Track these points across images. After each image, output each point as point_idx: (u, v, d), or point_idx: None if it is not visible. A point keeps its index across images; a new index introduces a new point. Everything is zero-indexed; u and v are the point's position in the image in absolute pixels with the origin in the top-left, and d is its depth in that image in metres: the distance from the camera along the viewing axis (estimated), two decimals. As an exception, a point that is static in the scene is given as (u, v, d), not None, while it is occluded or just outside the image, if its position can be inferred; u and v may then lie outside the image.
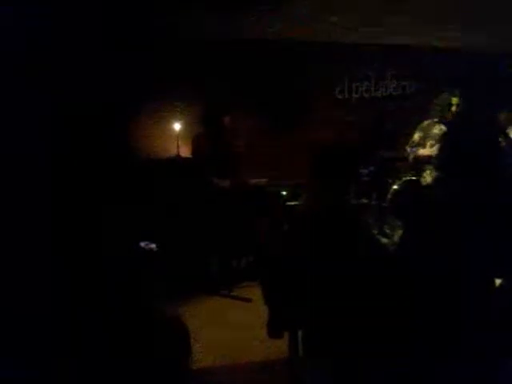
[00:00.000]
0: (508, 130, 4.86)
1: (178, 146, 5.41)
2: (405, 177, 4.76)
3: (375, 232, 4.71)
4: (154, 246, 3.99)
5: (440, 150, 2.29)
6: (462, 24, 5.24)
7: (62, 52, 2.06)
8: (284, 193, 5.25)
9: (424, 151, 4.71)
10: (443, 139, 2.38)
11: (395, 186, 4.68)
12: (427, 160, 4.58)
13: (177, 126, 5.47)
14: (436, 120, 4.73)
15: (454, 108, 4.64)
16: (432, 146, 4.61)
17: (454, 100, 4.66)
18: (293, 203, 5.02)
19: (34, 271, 1.99)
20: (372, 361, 1.98)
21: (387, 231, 4.69)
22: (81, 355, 1.83)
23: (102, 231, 2.36)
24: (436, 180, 3.72)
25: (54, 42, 2.04)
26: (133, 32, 4.82)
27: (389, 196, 4.67)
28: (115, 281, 2.18)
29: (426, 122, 4.83)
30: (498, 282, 2.15)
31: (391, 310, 2.01)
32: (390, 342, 1.98)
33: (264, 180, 5.04)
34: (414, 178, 4.70)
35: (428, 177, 4.57)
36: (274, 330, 2.39)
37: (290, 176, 5.14)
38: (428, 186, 4.31)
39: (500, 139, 4.64)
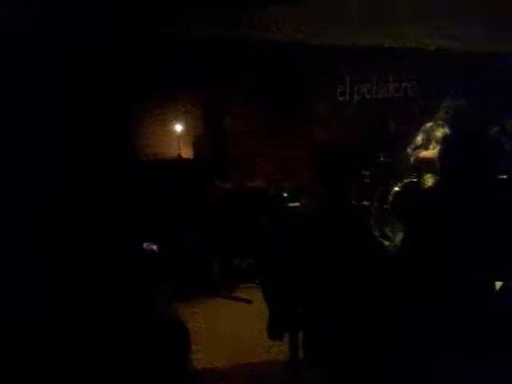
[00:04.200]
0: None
1: (179, 148, 5.41)
2: (406, 179, 4.75)
3: (376, 234, 4.70)
4: (155, 246, 3.99)
5: (441, 152, 2.29)
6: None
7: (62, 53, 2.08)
8: (285, 194, 5.25)
9: (426, 154, 4.68)
10: (444, 142, 2.38)
11: (397, 188, 4.67)
12: (429, 163, 4.56)
13: (178, 128, 5.47)
14: (440, 122, 4.71)
15: (456, 111, 4.63)
16: (435, 148, 4.58)
17: (457, 103, 4.65)
18: (294, 204, 5.03)
19: (35, 271, 2.00)
20: (372, 362, 1.98)
21: (388, 233, 4.68)
22: (79, 354, 1.83)
23: (104, 232, 2.37)
24: (437, 183, 3.72)
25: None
26: (133, 33, 4.81)
27: (390, 198, 4.66)
28: (116, 280, 2.18)
29: (428, 124, 4.79)
30: (498, 284, 2.15)
31: (391, 311, 2.01)
32: (390, 343, 1.98)
33: (265, 182, 5.04)
34: (415, 180, 4.68)
35: (429, 179, 4.55)
36: (274, 332, 2.39)
37: (291, 178, 5.14)
38: (430, 189, 4.30)
39: (503, 141, 4.64)
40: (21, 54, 1.96)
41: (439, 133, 4.63)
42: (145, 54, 5.18)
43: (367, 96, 6.46)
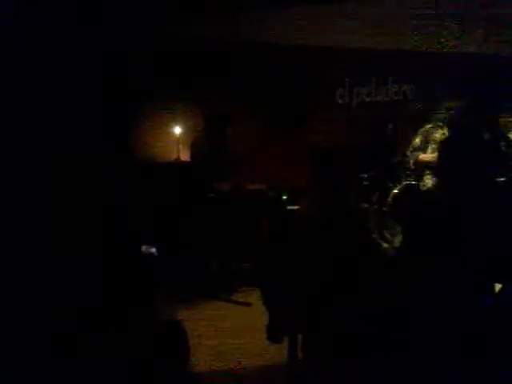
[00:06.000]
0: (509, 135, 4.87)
1: (178, 151, 5.40)
2: (405, 181, 4.76)
3: (375, 236, 4.70)
4: (154, 249, 3.98)
5: (440, 155, 2.29)
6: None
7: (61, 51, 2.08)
8: (285, 197, 5.24)
9: (425, 156, 4.68)
10: (443, 144, 2.38)
11: (396, 191, 4.68)
12: (428, 165, 4.56)
13: (177, 129, 5.46)
14: (438, 124, 4.71)
15: (455, 112, 4.63)
16: (433, 150, 4.57)
17: (456, 104, 4.66)
18: (294, 207, 5.02)
19: (37, 272, 2.00)
20: (371, 363, 1.98)
21: (387, 236, 4.68)
22: (79, 356, 1.83)
23: (102, 234, 2.37)
24: (436, 185, 3.72)
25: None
26: (134, 33, 4.80)
27: (389, 200, 4.66)
28: (116, 283, 2.18)
29: (427, 126, 4.79)
30: (498, 286, 2.15)
31: (391, 313, 2.01)
32: (389, 344, 1.98)
33: (264, 184, 5.03)
34: (414, 182, 4.69)
35: (428, 182, 4.56)
36: (273, 334, 2.39)
37: (290, 180, 5.13)
38: (428, 191, 4.30)
39: (502, 144, 4.65)
40: (21, 54, 1.96)
41: (438, 134, 4.64)
42: (145, 55, 5.16)
43: (367, 99, 6.46)
